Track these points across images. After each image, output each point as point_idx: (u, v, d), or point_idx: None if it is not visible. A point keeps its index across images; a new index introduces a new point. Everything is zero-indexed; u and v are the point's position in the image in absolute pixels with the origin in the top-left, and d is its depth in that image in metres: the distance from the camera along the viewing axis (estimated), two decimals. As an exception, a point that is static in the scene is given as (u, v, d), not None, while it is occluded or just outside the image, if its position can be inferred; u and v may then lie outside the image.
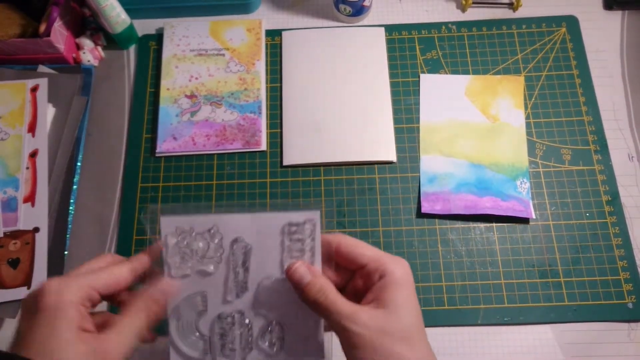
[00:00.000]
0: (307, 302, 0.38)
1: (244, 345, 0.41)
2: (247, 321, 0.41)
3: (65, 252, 0.57)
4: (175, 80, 0.63)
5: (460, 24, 0.66)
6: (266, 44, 0.66)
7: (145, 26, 0.68)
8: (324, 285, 0.37)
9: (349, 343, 0.35)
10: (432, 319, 0.54)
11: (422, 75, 0.64)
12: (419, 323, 0.36)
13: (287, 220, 0.41)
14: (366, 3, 0.64)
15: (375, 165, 0.60)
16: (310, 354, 0.42)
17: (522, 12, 0.67)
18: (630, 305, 0.53)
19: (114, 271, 0.37)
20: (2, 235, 0.56)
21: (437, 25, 0.66)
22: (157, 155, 0.60)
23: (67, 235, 0.58)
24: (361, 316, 0.35)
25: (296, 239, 0.41)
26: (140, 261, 0.39)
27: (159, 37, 0.67)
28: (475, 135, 0.60)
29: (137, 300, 0.37)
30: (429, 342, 0.37)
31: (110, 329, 0.35)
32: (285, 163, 0.60)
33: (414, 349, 0.35)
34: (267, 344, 0.42)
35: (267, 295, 0.41)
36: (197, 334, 0.41)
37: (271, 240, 0.41)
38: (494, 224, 0.57)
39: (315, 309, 0.37)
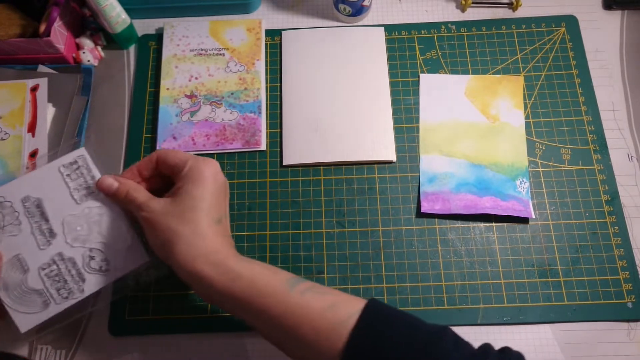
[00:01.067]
0: (120, 203, 0.48)
1: (77, 278, 0.48)
2: (67, 257, 0.48)
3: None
4: (175, 80, 0.63)
5: (460, 24, 0.66)
6: (266, 44, 0.66)
7: (145, 26, 0.68)
8: (130, 187, 0.46)
9: (144, 226, 0.45)
10: (432, 319, 0.53)
11: (421, 75, 0.64)
12: (202, 206, 0.44)
13: (59, 164, 0.49)
14: (366, 3, 0.64)
15: (375, 165, 0.60)
16: (136, 260, 0.49)
17: (521, 12, 0.67)
18: (629, 305, 0.53)
19: None
20: (2, 235, 0.56)
21: (436, 25, 0.66)
22: (157, 155, 0.61)
23: (67, 235, 0.58)
24: (152, 203, 0.44)
25: (77, 176, 0.49)
26: None
27: (158, 37, 0.67)
28: (475, 135, 0.60)
29: None
30: (219, 227, 0.45)
31: None
32: (285, 163, 0.60)
33: (186, 223, 0.43)
34: (94, 267, 0.48)
35: (74, 229, 0.48)
36: (29, 292, 0.47)
37: (56, 186, 0.48)
38: (494, 224, 0.57)
39: (127, 207, 0.47)
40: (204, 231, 0.43)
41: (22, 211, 0.48)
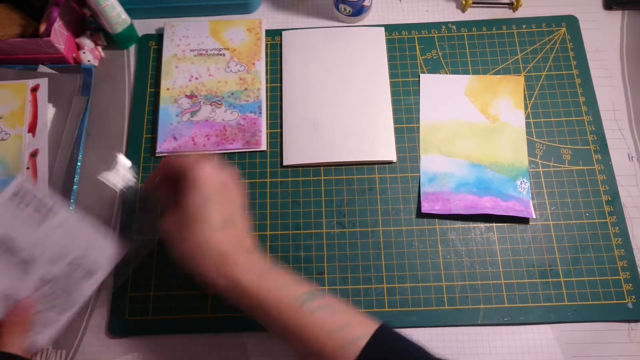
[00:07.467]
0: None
1: (68, 291, 0.50)
2: (49, 277, 0.50)
3: (66, 252, 0.57)
4: (175, 80, 0.63)
5: (460, 24, 0.66)
6: (266, 44, 0.66)
7: (145, 26, 0.68)
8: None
9: (167, 241, 0.45)
10: (432, 319, 0.54)
11: (422, 75, 0.64)
12: (203, 215, 0.43)
13: (5, 198, 0.50)
14: (366, 3, 0.64)
15: (375, 165, 0.60)
16: (119, 252, 0.52)
17: (522, 12, 0.67)
18: (630, 305, 0.53)
19: None
20: (2, 235, 0.56)
21: (437, 25, 0.66)
22: (157, 155, 0.60)
23: (67, 235, 0.58)
24: (166, 219, 0.45)
25: (27, 202, 0.50)
26: None
27: (159, 37, 0.67)
28: (475, 135, 0.60)
29: (6, 323, 0.48)
30: (226, 231, 0.44)
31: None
32: (285, 163, 0.60)
33: (190, 238, 0.43)
34: (81, 275, 0.50)
35: (47, 250, 0.50)
36: (38, 315, 0.50)
37: (13, 219, 0.50)
38: (494, 224, 0.57)
39: None
40: (208, 241, 0.43)
41: None
